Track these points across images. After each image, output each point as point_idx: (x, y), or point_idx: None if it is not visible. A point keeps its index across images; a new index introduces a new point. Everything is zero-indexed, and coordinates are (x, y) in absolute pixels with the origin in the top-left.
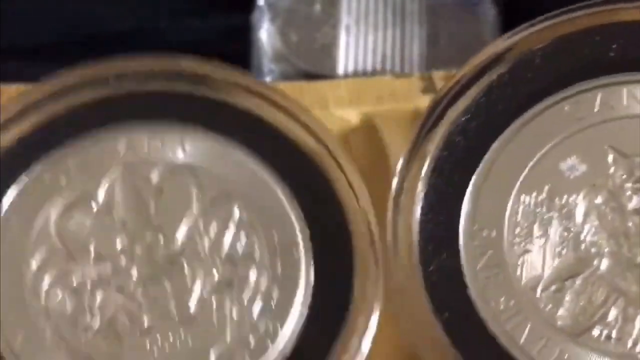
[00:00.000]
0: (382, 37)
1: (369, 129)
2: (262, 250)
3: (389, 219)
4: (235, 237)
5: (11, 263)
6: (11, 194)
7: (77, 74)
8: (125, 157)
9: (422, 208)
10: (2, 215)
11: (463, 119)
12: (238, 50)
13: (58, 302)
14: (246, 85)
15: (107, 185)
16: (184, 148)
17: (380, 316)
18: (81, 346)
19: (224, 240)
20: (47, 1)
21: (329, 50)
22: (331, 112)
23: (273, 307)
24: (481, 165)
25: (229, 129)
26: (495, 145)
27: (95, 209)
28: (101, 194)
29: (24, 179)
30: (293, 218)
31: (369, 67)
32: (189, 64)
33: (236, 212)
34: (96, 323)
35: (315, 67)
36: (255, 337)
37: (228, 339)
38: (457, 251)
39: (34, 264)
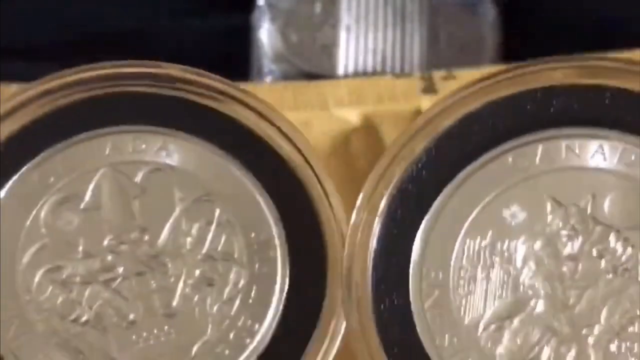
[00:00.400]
0: (382, 37)
1: (369, 129)
2: (240, 250)
3: (345, 258)
4: (216, 237)
5: (4, 259)
6: (2, 193)
7: (65, 76)
8: (110, 158)
9: (375, 250)
10: None
11: (415, 167)
12: (238, 50)
13: (48, 295)
14: (228, 91)
15: (93, 185)
16: (167, 150)
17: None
18: (70, 338)
19: (205, 239)
20: (47, 1)
21: (329, 50)
22: (331, 112)
23: (251, 303)
24: (430, 211)
25: (210, 133)
26: (444, 193)
27: (82, 208)
28: (88, 194)
29: (13, 179)
30: (270, 220)
31: (369, 67)
32: (174, 69)
33: (217, 213)
34: (84, 316)
35: (316, 67)
36: (235, 332)
37: (209, 333)
38: (407, 291)
39: (25, 260)
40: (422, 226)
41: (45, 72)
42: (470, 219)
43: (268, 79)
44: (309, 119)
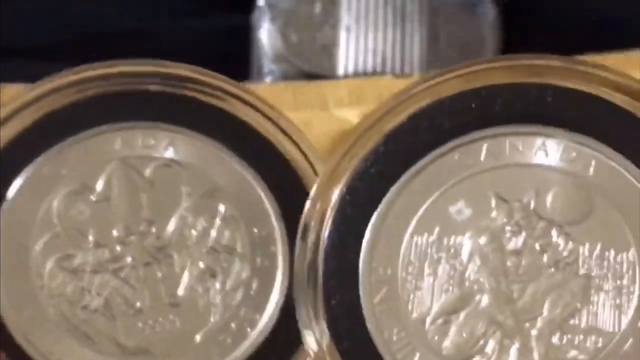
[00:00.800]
0: (382, 37)
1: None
2: (243, 244)
3: (296, 255)
4: (220, 231)
5: (18, 247)
6: (16, 184)
7: (79, 72)
8: (120, 152)
9: (327, 246)
10: (8, 203)
11: (364, 165)
12: (238, 50)
13: (59, 283)
14: (233, 91)
15: (104, 178)
16: (175, 147)
17: None
18: (79, 323)
19: (210, 233)
20: (47, 1)
21: (329, 50)
22: (331, 112)
23: (252, 295)
24: (379, 208)
25: (216, 131)
26: (392, 190)
27: (94, 200)
28: (99, 186)
29: (27, 171)
30: (272, 216)
31: (369, 67)
32: (182, 69)
33: (221, 209)
34: (93, 303)
35: (316, 67)
36: (236, 322)
37: (211, 322)
38: (357, 286)
39: (38, 247)
40: (371, 222)
41: (45, 72)
42: (417, 215)
43: (268, 79)
44: (309, 119)
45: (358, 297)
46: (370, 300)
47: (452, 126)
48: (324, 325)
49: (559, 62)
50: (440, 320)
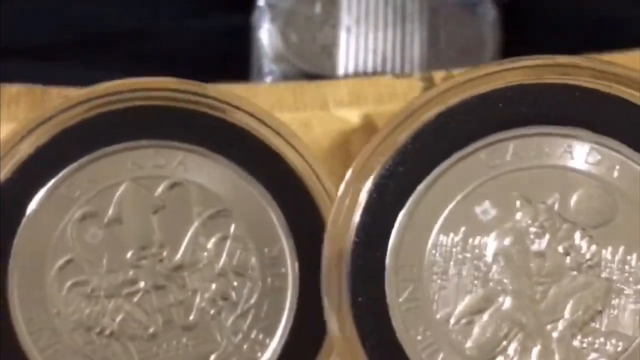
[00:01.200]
0: (382, 38)
1: (369, 129)
2: (254, 265)
3: (324, 251)
4: (231, 252)
5: (33, 272)
6: (30, 208)
7: (93, 90)
8: (132, 173)
9: (354, 243)
10: (22, 228)
11: (391, 163)
12: (238, 50)
13: (75, 308)
14: (242, 107)
15: (116, 199)
16: (186, 166)
17: None
18: (96, 349)
19: (221, 254)
20: (47, 1)
21: (329, 50)
22: (331, 112)
23: (263, 317)
24: (406, 207)
25: (226, 149)
26: (419, 189)
27: (106, 222)
28: (111, 208)
29: (40, 194)
30: (282, 235)
31: (369, 68)
32: (190, 84)
33: (232, 228)
34: (108, 329)
35: (316, 68)
36: (248, 345)
37: (223, 346)
38: (383, 285)
39: (53, 273)
40: (397, 221)
41: (46, 72)
42: (443, 215)
43: (268, 79)
44: (309, 119)
45: (384, 295)
46: (396, 298)
47: (479, 126)
48: (350, 321)
49: (587, 62)
50: (464, 320)
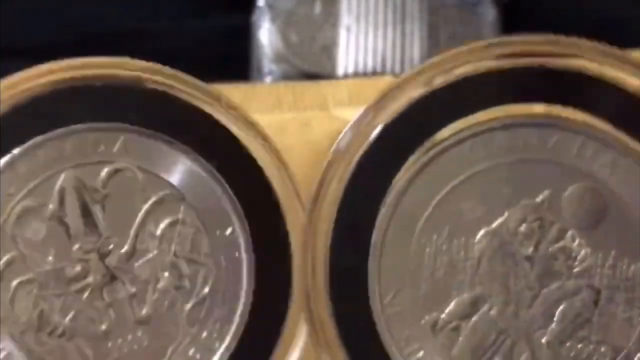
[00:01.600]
0: (382, 37)
1: None
2: (206, 250)
3: (297, 253)
4: (182, 238)
5: None
6: None
7: (19, 76)
8: (70, 161)
9: (331, 245)
10: None
11: (365, 157)
12: (238, 50)
13: (23, 309)
14: (193, 85)
15: (56, 191)
16: (127, 149)
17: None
18: (49, 350)
19: (172, 241)
20: (47, 1)
21: (329, 50)
22: (331, 112)
23: (219, 304)
24: (386, 203)
25: (170, 127)
26: (398, 185)
27: (48, 216)
28: (52, 201)
29: None
30: (234, 218)
31: (369, 67)
32: (129, 62)
33: (181, 213)
34: (59, 329)
35: (316, 68)
36: (205, 334)
37: (180, 336)
38: (365, 288)
39: None
40: (378, 220)
41: None
42: (426, 213)
43: (268, 79)
44: (309, 119)
45: (367, 299)
46: (379, 303)
47: (457, 111)
48: (332, 327)
49: (589, 45)
50: (450, 326)
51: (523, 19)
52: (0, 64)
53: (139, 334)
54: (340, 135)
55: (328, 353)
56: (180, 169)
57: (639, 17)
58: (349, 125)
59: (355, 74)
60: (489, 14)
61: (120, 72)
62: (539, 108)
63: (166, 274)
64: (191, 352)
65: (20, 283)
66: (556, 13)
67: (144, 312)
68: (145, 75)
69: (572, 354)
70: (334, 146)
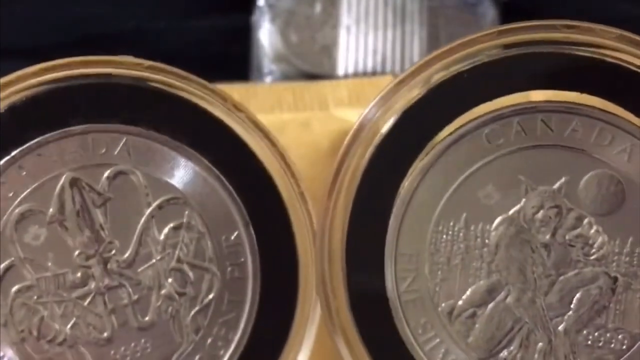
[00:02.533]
0: (382, 38)
1: None
2: (211, 255)
3: (315, 241)
4: (186, 243)
5: None
6: None
7: (17, 75)
8: (70, 164)
9: (348, 232)
10: None
11: (383, 141)
12: (238, 50)
13: (22, 317)
14: (197, 86)
15: (56, 194)
16: (130, 151)
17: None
18: (45, 358)
19: (175, 246)
20: (47, 1)
21: (329, 50)
22: (331, 112)
23: (224, 310)
24: (403, 190)
25: (175, 129)
26: (416, 171)
27: (48, 220)
28: (52, 205)
29: None
30: (240, 223)
31: (369, 68)
32: (128, 60)
33: (185, 217)
34: (60, 336)
35: (316, 68)
36: (210, 340)
37: (184, 344)
38: (382, 275)
39: None
40: (395, 207)
41: None
42: (444, 199)
43: (268, 79)
44: (309, 119)
45: (383, 286)
46: (395, 290)
47: (479, 97)
48: (348, 314)
49: (593, 27)
50: (466, 313)
51: (523, 19)
52: (0, 64)
53: (142, 341)
54: (354, 127)
55: (344, 340)
56: (184, 172)
57: (639, 17)
58: (363, 113)
59: (355, 74)
60: (489, 14)
61: (122, 71)
62: (556, 95)
63: (170, 279)
64: (196, 358)
65: (19, 289)
66: (556, 13)
67: (147, 318)
68: (149, 75)
69: (589, 341)
70: (350, 133)
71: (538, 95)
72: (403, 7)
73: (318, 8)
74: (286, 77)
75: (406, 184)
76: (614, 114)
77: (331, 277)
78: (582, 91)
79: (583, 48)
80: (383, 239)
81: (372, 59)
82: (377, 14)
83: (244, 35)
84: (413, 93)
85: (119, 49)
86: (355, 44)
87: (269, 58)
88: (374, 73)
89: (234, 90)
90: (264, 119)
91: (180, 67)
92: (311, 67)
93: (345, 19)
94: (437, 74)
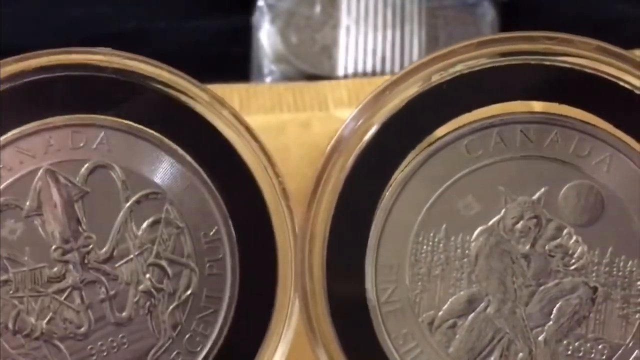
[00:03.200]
0: (381, 38)
1: None
2: (190, 251)
3: (296, 253)
4: (165, 238)
5: None
6: None
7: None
8: (48, 157)
9: (329, 241)
10: None
11: (362, 153)
12: (238, 51)
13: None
14: (175, 80)
15: (33, 188)
16: (109, 145)
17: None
18: (26, 353)
19: (154, 241)
20: (47, 2)
21: (329, 51)
22: (331, 112)
23: (202, 307)
24: (384, 201)
25: (154, 122)
26: (396, 181)
27: (25, 214)
28: (29, 199)
29: None
30: (219, 218)
31: (369, 68)
32: (108, 54)
33: (164, 212)
34: (37, 331)
35: (315, 68)
36: (188, 336)
37: (162, 339)
38: (363, 286)
39: None
40: (375, 217)
41: None
42: (424, 210)
43: (268, 79)
44: (309, 119)
45: (364, 297)
46: (376, 300)
47: (455, 108)
48: (329, 324)
49: (578, 39)
50: (447, 324)
51: (522, 19)
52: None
53: (119, 336)
54: (337, 134)
55: (325, 351)
56: (163, 167)
57: (639, 17)
58: (344, 124)
59: (355, 75)
60: (488, 14)
61: (101, 64)
62: (536, 106)
63: (148, 275)
64: (173, 354)
65: None
66: (555, 13)
67: (124, 314)
68: (127, 68)
69: (569, 351)
70: (330, 144)
71: (517, 106)
72: (402, 7)
73: (318, 8)
74: (286, 77)
75: (386, 194)
76: (592, 125)
77: (312, 288)
78: (561, 102)
79: (562, 59)
80: (364, 249)
81: (372, 59)
82: (376, 14)
83: (244, 36)
84: (393, 104)
85: (119, 49)
86: (355, 45)
87: (269, 58)
88: (373, 73)
89: (234, 90)
90: (264, 119)
91: (180, 68)
92: (311, 67)
93: (345, 19)
94: (416, 85)
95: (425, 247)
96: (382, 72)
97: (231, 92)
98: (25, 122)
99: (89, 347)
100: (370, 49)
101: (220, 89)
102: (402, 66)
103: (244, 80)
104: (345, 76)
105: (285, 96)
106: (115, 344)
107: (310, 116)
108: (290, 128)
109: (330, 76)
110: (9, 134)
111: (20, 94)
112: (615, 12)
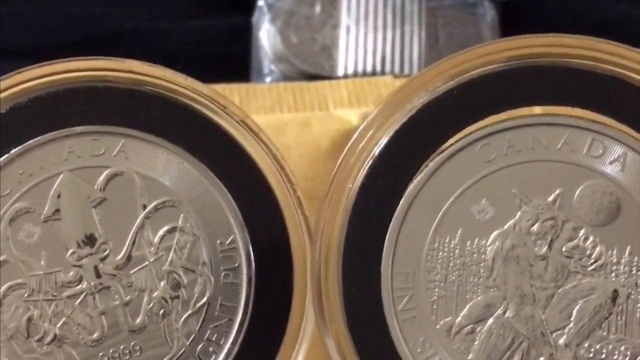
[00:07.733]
0: (381, 38)
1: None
2: (205, 259)
3: (311, 261)
4: (180, 246)
5: None
6: None
7: (18, 76)
8: (68, 164)
9: (344, 250)
10: None
11: (377, 161)
12: (238, 51)
13: (12, 314)
14: (195, 90)
15: (52, 193)
16: (127, 153)
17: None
18: (36, 358)
19: (170, 248)
20: (47, 1)
21: (329, 51)
22: (331, 112)
23: (217, 315)
24: (398, 207)
25: (172, 132)
26: (410, 188)
27: (42, 219)
28: (47, 203)
29: None
30: (235, 227)
31: (369, 68)
32: (136, 64)
33: (180, 220)
34: (49, 335)
35: (315, 68)
36: (202, 346)
37: (175, 347)
38: (379, 294)
39: None
40: (390, 224)
41: None
42: (439, 216)
43: (268, 79)
44: (309, 119)
45: (380, 305)
46: (392, 308)
47: (468, 113)
48: (345, 333)
49: (580, 41)
50: (465, 330)
51: (522, 19)
52: (0, 64)
53: (132, 343)
54: (347, 145)
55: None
56: (180, 175)
57: (639, 17)
58: (356, 134)
59: (355, 75)
60: (488, 14)
61: (120, 74)
62: (547, 108)
63: (162, 282)
64: None
65: (10, 287)
66: (555, 13)
67: (137, 321)
68: (146, 78)
69: (591, 354)
70: (341, 157)
71: (528, 110)
72: (402, 7)
73: (318, 8)
74: (286, 77)
75: (401, 202)
76: (605, 124)
77: (328, 298)
78: (572, 104)
79: (571, 60)
80: (379, 257)
81: (372, 59)
82: (376, 14)
83: (244, 36)
84: (404, 113)
85: (119, 49)
86: (355, 45)
87: (269, 58)
88: (373, 73)
89: (234, 90)
90: (264, 119)
91: (180, 68)
92: (311, 67)
93: (345, 19)
94: (426, 93)
95: (440, 253)
96: (382, 72)
97: (231, 92)
98: (47, 130)
99: (100, 353)
100: (370, 49)
101: (220, 89)
102: (402, 66)
103: (244, 80)
104: (345, 76)
105: (285, 96)
106: (127, 352)
107: (310, 116)
108: (290, 128)
109: (330, 76)
110: (32, 141)
111: (42, 103)
112: (615, 11)
